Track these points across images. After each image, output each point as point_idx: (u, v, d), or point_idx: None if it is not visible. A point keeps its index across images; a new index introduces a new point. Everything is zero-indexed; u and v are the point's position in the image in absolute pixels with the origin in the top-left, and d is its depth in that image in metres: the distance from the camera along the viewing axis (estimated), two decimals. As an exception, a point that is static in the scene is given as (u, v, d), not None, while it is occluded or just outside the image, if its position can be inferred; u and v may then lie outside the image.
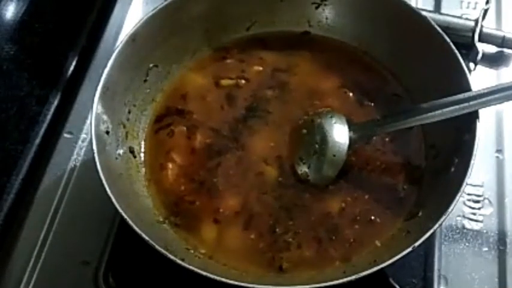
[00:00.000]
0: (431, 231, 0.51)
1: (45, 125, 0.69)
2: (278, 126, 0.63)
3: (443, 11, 0.77)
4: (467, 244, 0.62)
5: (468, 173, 0.53)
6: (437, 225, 0.51)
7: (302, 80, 0.66)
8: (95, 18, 0.77)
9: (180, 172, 0.61)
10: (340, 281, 0.49)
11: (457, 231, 0.63)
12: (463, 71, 0.59)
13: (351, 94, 0.65)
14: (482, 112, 0.57)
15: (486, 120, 0.65)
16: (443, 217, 0.52)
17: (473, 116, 0.56)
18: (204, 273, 0.49)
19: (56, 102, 0.70)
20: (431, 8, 0.78)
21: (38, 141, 0.68)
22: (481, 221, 0.63)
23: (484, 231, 0.63)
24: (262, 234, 0.57)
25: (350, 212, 0.58)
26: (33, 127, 0.68)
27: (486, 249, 0.61)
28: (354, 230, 0.58)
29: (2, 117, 0.66)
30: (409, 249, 0.50)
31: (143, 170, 0.61)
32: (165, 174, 0.61)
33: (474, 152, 0.54)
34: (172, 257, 0.50)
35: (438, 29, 0.61)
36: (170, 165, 0.61)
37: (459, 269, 0.60)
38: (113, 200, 0.52)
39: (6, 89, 0.67)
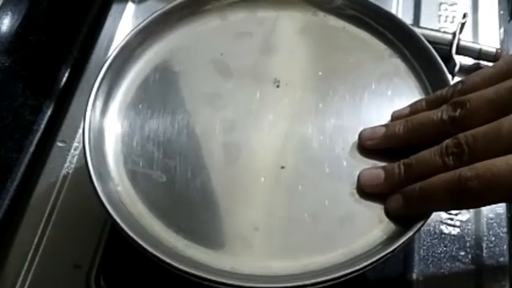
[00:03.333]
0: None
1: (38, 134, 0.70)
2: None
3: (422, 24, 0.79)
4: (445, 248, 0.63)
5: None
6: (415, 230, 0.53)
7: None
8: (87, 32, 0.78)
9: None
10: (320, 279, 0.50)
11: (435, 236, 0.64)
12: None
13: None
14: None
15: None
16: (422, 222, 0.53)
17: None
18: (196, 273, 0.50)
19: (49, 112, 0.71)
20: (410, 21, 0.79)
21: (32, 149, 0.68)
22: (458, 227, 0.64)
23: (461, 236, 0.64)
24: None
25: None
26: (27, 136, 0.69)
27: (463, 253, 0.63)
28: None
29: (-3, 126, 0.68)
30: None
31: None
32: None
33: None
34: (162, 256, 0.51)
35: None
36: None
37: (437, 272, 0.61)
38: (104, 201, 0.53)
39: (1, 99, 0.68)
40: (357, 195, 0.56)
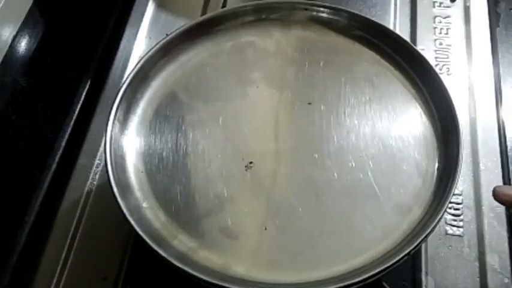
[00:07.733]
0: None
1: (60, 152, 0.71)
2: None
3: (418, 36, 0.82)
4: (450, 248, 0.65)
5: (454, 185, 0.56)
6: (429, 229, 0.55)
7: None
8: (103, 52, 0.80)
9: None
10: (339, 285, 0.52)
11: (441, 236, 0.66)
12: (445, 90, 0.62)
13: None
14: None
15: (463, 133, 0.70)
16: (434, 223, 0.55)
17: (457, 131, 0.60)
18: (220, 283, 0.52)
19: (69, 131, 0.73)
20: (407, 35, 0.82)
21: (54, 166, 0.70)
22: (462, 227, 0.67)
23: (465, 235, 0.66)
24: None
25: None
26: (49, 154, 0.70)
27: (467, 251, 0.65)
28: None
29: (20, 145, 0.69)
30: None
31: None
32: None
33: (460, 164, 0.58)
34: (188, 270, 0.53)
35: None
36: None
37: (444, 271, 0.64)
38: (128, 216, 0.55)
39: (23, 119, 0.69)
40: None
